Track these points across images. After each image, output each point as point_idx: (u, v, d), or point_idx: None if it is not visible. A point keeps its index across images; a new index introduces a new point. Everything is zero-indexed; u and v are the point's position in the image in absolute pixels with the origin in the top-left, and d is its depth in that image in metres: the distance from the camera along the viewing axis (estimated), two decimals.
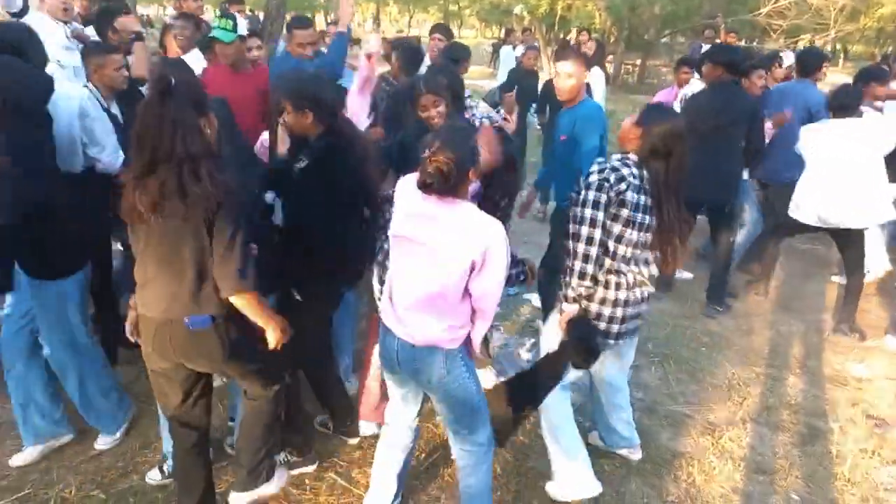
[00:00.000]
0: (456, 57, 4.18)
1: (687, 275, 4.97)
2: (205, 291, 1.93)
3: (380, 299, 2.46)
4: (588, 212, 2.27)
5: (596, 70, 6.27)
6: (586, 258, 2.30)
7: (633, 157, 2.34)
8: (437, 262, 1.97)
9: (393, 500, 2.43)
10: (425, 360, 2.06)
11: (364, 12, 29.37)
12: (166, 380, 2.13)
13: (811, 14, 15.33)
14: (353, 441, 2.91)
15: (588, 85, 4.02)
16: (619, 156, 2.37)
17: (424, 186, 1.92)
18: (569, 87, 3.22)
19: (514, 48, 9.63)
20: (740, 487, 2.79)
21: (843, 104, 4.04)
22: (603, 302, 2.38)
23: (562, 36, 17.91)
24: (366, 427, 2.94)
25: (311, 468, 2.71)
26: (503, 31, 15.88)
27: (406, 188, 2.07)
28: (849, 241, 4.18)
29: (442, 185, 1.89)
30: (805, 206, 4.12)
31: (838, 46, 26.40)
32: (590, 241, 2.28)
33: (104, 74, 2.92)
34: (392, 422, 2.37)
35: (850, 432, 3.21)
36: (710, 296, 4.52)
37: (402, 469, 2.41)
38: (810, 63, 4.75)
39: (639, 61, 19.26)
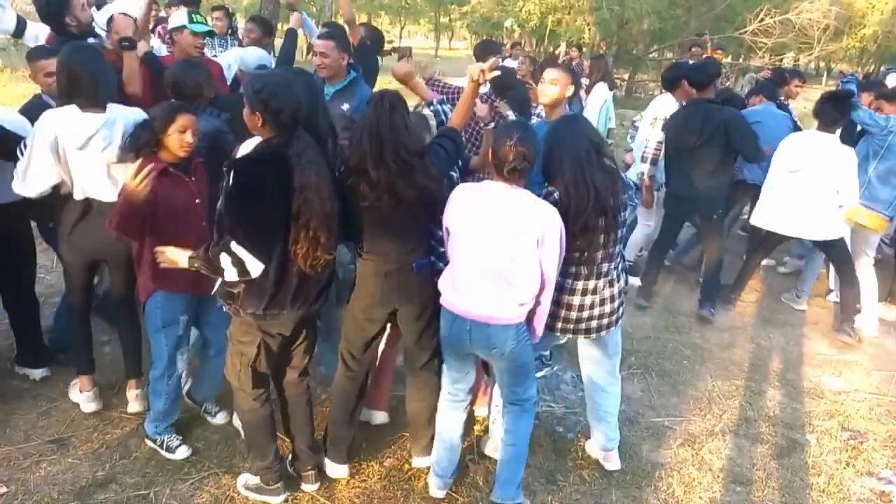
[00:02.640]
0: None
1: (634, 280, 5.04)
2: None
3: None
4: None
5: (599, 87, 6.34)
6: None
7: None
8: (511, 239, 2.25)
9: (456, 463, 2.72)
10: (500, 336, 2.36)
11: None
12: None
13: (795, 33, 15.66)
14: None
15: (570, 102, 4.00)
16: None
17: (512, 171, 2.22)
18: (549, 92, 3.21)
19: (502, 60, 9.71)
20: (719, 498, 2.83)
21: (833, 118, 4.18)
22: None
23: (551, 50, 18.11)
24: (378, 416, 3.11)
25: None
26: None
27: (467, 190, 2.38)
28: (829, 247, 4.40)
29: (525, 170, 2.24)
30: (772, 213, 4.38)
31: (822, 64, 26.92)
32: None
33: (38, 81, 2.92)
34: (451, 388, 2.65)
35: (827, 444, 3.27)
36: (704, 296, 4.64)
37: (464, 430, 2.72)
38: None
39: (627, 76, 19.51)
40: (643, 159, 4.79)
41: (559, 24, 18.19)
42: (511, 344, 2.38)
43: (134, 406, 3.09)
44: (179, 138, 2.52)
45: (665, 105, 4.89)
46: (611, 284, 2.63)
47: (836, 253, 4.43)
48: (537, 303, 2.40)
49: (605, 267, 2.57)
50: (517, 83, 3.91)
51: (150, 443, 2.87)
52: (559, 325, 2.63)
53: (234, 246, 2.08)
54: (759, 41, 15.29)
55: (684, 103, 4.59)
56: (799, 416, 3.51)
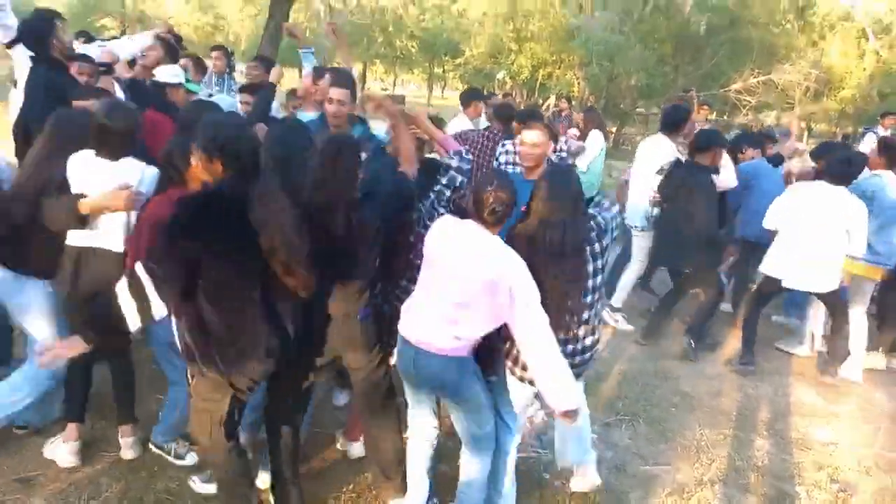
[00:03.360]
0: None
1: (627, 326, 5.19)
2: None
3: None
4: None
5: (594, 134, 6.46)
6: None
7: None
8: (466, 279, 2.26)
9: (428, 499, 2.65)
10: (440, 365, 2.34)
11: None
12: None
13: (778, 93, 16.22)
14: None
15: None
16: None
17: (490, 214, 2.26)
18: (533, 154, 3.26)
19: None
20: None
21: (848, 174, 4.29)
22: None
23: (541, 101, 18.55)
24: (356, 448, 3.07)
25: None
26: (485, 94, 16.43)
27: (447, 222, 2.41)
28: (829, 296, 4.43)
29: (502, 216, 2.28)
30: (782, 264, 4.41)
31: (803, 124, 27.78)
32: None
33: None
34: (414, 422, 2.62)
35: (816, 496, 3.22)
36: (691, 331, 4.77)
37: (430, 465, 2.65)
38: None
39: (615, 129, 19.97)
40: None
41: (549, 78, 18.71)
42: (452, 375, 2.36)
43: (128, 453, 2.92)
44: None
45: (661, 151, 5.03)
46: (592, 332, 2.61)
47: (834, 300, 4.46)
48: (488, 340, 2.41)
49: (584, 315, 2.53)
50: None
51: (155, 449, 2.89)
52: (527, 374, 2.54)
53: (139, 269, 1.99)
54: (744, 99, 15.80)
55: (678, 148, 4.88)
56: (788, 467, 3.46)
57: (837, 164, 4.30)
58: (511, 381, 2.61)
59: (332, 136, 2.54)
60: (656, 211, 4.88)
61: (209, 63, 5.98)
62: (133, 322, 2.00)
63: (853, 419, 4.12)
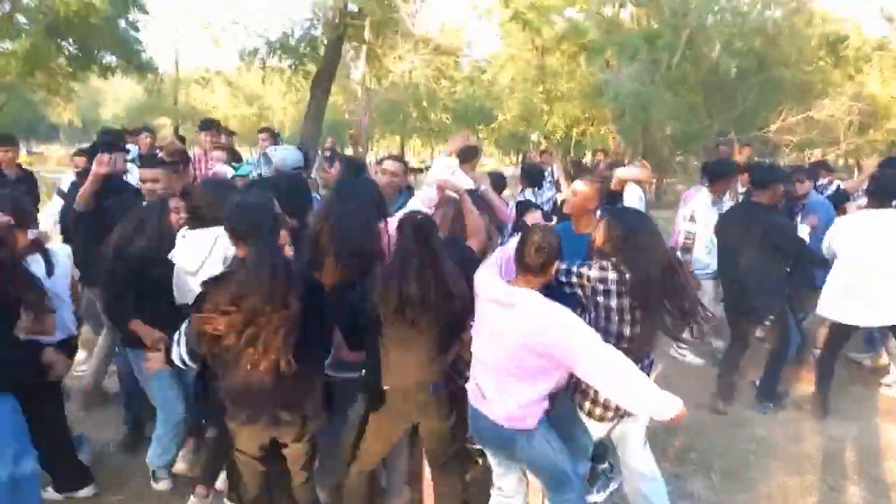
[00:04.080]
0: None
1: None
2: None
3: None
4: None
5: (632, 188, 6.41)
6: None
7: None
8: (510, 344, 2.19)
9: None
10: (507, 438, 2.27)
11: (389, 145, 31.29)
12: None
13: (820, 129, 15.89)
14: None
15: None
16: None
17: (535, 257, 2.18)
18: (570, 203, 3.24)
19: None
20: None
21: (888, 190, 4.02)
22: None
23: (582, 156, 18.65)
24: None
25: None
26: (520, 156, 16.69)
27: (487, 277, 2.34)
28: None
29: (546, 266, 2.20)
30: (844, 305, 4.04)
31: (850, 161, 27.01)
32: None
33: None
34: (497, 482, 2.56)
35: None
36: (762, 392, 4.34)
37: None
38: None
39: (655, 180, 19.84)
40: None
41: (584, 135, 18.92)
42: (522, 451, 2.30)
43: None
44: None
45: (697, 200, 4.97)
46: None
47: None
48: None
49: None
50: None
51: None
52: (598, 410, 2.49)
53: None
54: (785, 139, 15.53)
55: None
56: None
57: (883, 185, 4.06)
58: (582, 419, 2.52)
59: (408, 214, 2.59)
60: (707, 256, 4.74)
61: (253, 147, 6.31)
62: None
63: None
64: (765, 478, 3.46)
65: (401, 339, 2.43)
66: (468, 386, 2.43)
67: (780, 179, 4.31)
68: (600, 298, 2.43)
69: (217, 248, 2.70)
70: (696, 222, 4.91)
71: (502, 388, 2.26)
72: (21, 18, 10.63)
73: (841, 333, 4.29)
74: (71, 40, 11.49)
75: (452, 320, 2.45)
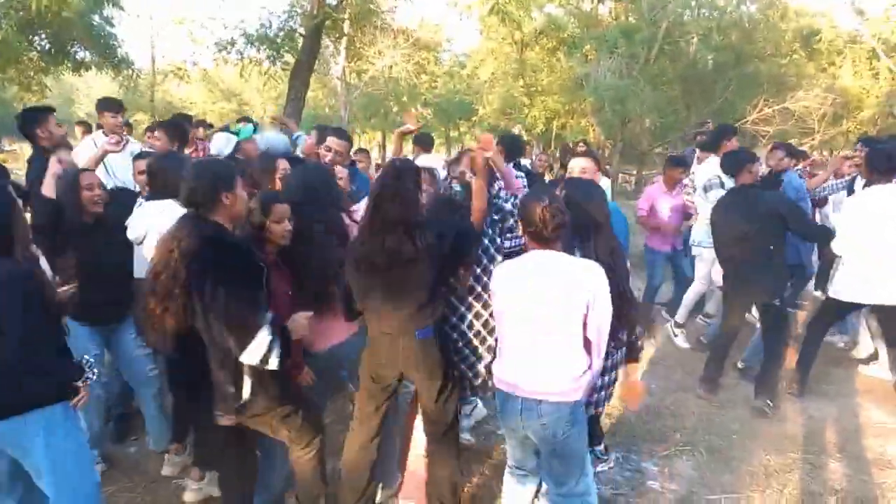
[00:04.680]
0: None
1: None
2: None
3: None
4: None
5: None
6: None
7: None
8: (561, 307, 2.21)
9: None
10: (552, 415, 2.24)
11: (370, 140, 31.14)
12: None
13: (795, 120, 16.15)
14: None
15: None
16: None
17: (556, 230, 2.22)
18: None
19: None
20: None
21: (888, 168, 4.00)
22: None
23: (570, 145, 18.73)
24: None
25: None
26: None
27: (508, 266, 2.35)
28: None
29: (563, 230, 2.24)
30: (851, 283, 4.05)
31: (825, 152, 27.53)
32: None
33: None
34: (514, 462, 2.55)
35: None
36: (760, 387, 4.15)
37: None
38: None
39: (635, 171, 20.04)
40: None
41: (564, 128, 18.98)
42: (564, 425, 2.26)
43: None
44: (280, 228, 2.58)
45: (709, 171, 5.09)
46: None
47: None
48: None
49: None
50: None
51: None
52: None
53: None
54: (762, 130, 15.75)
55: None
56: (870, 489, 3.23)
57: (882, 160, 4.03)
58: None
59: (392, 160, 2.72)
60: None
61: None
62: None
63: None
64: (748, 457, 3.53)
65: (383, 287, 2.46)
66: (497, 370, 2.39)
67: (749, 161, 4.28)
68: None
69: (163, 219, 2.60)
70: (705, 198, 4.95)
71: (559, 362, 2.26)
72: None
73: (834, 311, 4.33)
74: (43, 35, 11.24)
75: (439, 264, 2.50)
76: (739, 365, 4.62)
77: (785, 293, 4.40)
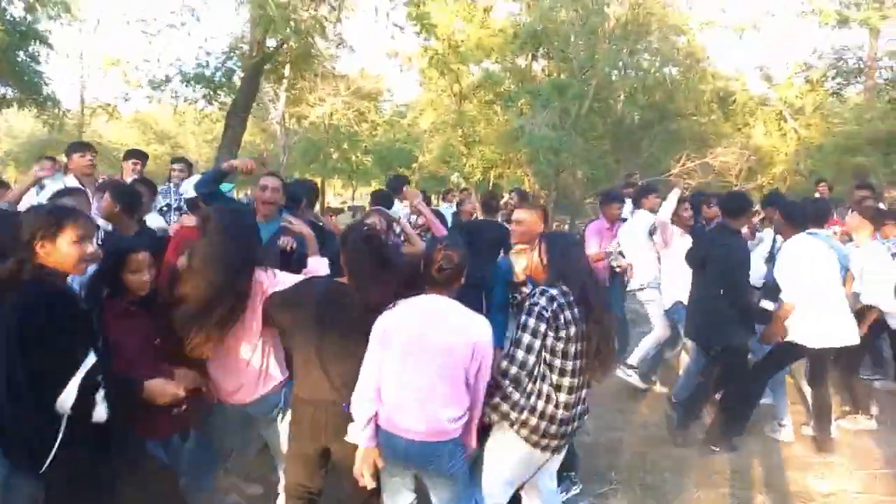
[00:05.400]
0: None
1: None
2: None
3: None
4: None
5: None
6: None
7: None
8: (444, 354, 2.27)
9: None
10: (435, 452, 2.28)
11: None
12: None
13: (715, 174, 17.24)
14: None
15: None
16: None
17: (438, 272, 2.29)
18: (519, 232, 3.45)
19: (450, 206, 10.23)
20: None
21: (819, 216, 4.23)
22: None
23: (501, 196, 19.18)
24: None
25: None
26: (441, 197, 17.00)
27: (398, 308, 2.33)
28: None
29: (454, 276, 2.32)
30: (805, 328, 4.01)
31: None
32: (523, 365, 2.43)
33: None
34: None
35: None
36: (720, 431, 4.15)
37: None
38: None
39: (568, 220, 20.69)
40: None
41: (501, 177, 19.51)
42: (447, 461, 2.31)
43: None
44: (136, 279, 2.46)
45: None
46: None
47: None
48: (470, 417, 2.40)
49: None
50: None
51: None
52: (543, 441, 2.48)
53: None
54: (685, 183, 16.71)
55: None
56: None
57: (808, 212, 4.25)
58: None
59: (353, 224, 2.78)
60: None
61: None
62: None
63: (847, 468, 4.02)
64: (681, 493, 3.59)
65: (319, 349, 2.39)
66: (381, 411, 2.35)
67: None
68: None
69: None
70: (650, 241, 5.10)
71: (436, 404, 2.29)
72: None
73: (793, 358, 4.34)
74: None
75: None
76: (673, 399, 4.67)
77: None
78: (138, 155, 5.70)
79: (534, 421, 2.43)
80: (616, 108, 18.64)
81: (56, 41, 11.63)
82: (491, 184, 19.74)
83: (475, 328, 2.30)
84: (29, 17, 10.86)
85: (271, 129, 20.28)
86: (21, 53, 11.26)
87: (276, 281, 2.58)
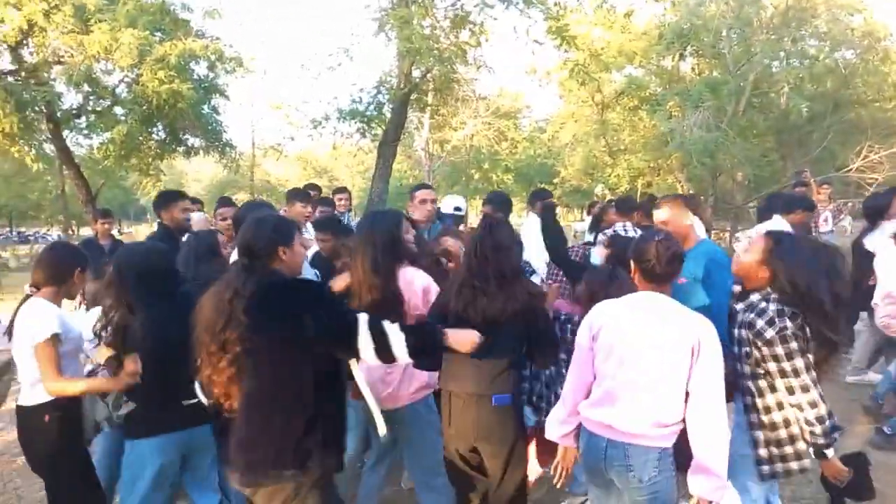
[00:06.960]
0: None
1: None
2: None
3: None
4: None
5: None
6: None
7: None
8: (662, 352, 2.14)
9: None
10: (639, 458, 2.14)
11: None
12: None
13: None
14: None
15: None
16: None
17: (668, 264, 2.18)
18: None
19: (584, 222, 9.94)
20: None
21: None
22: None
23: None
24: None
25: None
26: (584, 211, 16.56)
27: (612, 304, 2.29)
28: None
29: (675, 272, 2.23)
30: None
31: None
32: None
33: None
34: None
35: None
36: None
37: None
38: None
39: (729, 226, 19.14)
40: None
41: (649, 186, 18.59)
42: (651, 471, 2.13)
43: None
44: None
45: None
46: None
47: None
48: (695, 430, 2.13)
49: None
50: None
51: None
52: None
53: None
54: (868, 178, 14.72)
55: None
56: None
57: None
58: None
59: (485, 216, 2.77)
60: None
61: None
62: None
63: None
64: None
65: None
66: (588, 408, 2.28)
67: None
68: None
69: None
70: None
71: (648, 407, 2.18)
72: (119, 110, 11.67)
73: None
74: (160, 125, 12.50)
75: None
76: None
77: None
78: (342, 191, 6.56)
79: None
80: (779, 102, 17.01)
81: (231, 92, 13.14)
82: (639, 193, 18.88)
83: (697, 327, 2.15)
84: (211, 74, 12.35)
85: (416, 155, 21.22)
86: (205, 107, 12.84)
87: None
